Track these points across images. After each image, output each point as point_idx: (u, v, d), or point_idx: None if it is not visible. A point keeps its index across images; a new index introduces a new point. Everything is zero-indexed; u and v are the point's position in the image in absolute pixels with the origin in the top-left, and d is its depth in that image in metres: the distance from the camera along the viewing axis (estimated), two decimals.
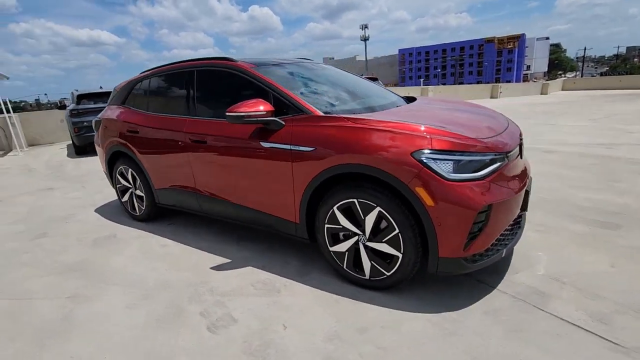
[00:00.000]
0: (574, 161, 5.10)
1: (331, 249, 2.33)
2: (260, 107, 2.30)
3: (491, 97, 23.37)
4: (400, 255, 2.05)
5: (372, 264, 2.18)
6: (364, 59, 75.74)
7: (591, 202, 3.45)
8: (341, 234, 2.28)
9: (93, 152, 4.38)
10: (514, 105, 16.19)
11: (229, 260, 2.79)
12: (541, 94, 26.14)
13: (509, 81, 77.72)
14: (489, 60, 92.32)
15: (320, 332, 1.93)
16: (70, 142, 9.06)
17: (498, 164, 2.00)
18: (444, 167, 1.87)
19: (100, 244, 3.30)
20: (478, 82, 76.32)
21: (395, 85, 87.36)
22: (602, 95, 19.71)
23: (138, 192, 3.63)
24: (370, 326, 1.95)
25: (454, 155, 1.90)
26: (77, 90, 8.86)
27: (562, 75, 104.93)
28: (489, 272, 2.35)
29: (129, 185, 3.71)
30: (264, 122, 2.35)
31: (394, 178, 1.92)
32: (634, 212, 3.16)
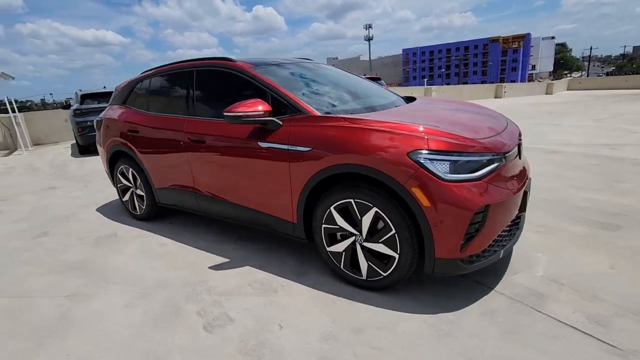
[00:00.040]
0: (577, 161, 5.07)
1: (328, 249, 2.33)
2: (257, 107, 2.31)
3: (495, 97, 23.26)
4: (396, 256, 2.04)
5: (368, 265, 2.18)
6: (368, 59, 75.64)
7: (592, 203, 3.43)
8: (338, 234, 2.27)
9: (96, 152, 4.41)
10: (518, 105, 16.10)
11: (227, 260, 2.80)
12: (546, 93, 25.98)
13: (514, 81, 77.34)
14: (493, 60, 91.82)
15: (316, 332, 1.93)
16: (74, 141, 9.12)
17: (495, 164, 1.98)
18: (441, 168, 1.86)
19: (100, 243, 3.32)
20: (482, 82, 75.96)
21: (399, 85, 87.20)
22: (607, 95, 19.55)
23: (138, 192, 3.65)
24: (366, 326, 1.95)
25: (451, 155, 1.89)
26: (81, 90, 8.91)
27: (568, 75, 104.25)
28: (486, 273, 2.34)
29: (130, 185, 3.73)
30: (261, 122, 2.36)
31: (390, 178, 1.92)
32: (636, 213, 3.14)
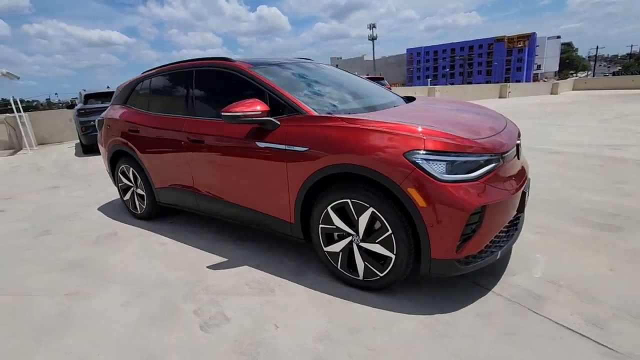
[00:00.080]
0: (579, 162, 5.03)
1: (325, 249, 2.33)
2: (255, 107, 2.31)
3: (500, 97, 23.13)
4: (393, 256, 2.04)
5: (365, 265, 2.18)
6: (372, 59, 75.53)
7: (594, 204, 3.40)
8: (335, 234, 2.27)
9: (99, 151, 4.44)
10: (522, 105, 16.01)
11: (226, 260, 2.81)
12: (551, 93, 25.80)
13: (519, 81, 76.87)
14: (498, 60, 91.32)
15: (312, 332, 1.93)
16: (79, 141, 9.19)
17: (493, 164, 1.97)
18: (437, 168, 1.85)
19: (101, 241, 3.34)
20: (487, 82, 75.56)
21: (403, 85, 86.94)
22: (613, 95, 19.38)
23: (139, 191, 3.67)
24: (362, 327, 1.95)
25: (447, 155, 1.88)
26: (84, 90, 8.99)
27: (574, 74, 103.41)
28: (484, 274, 2.33)
29: (131, 184, 3.75)
30: (259, 122, 2.36)
31: (386, 178, 1.91)
32: (637, 214, 3.11)
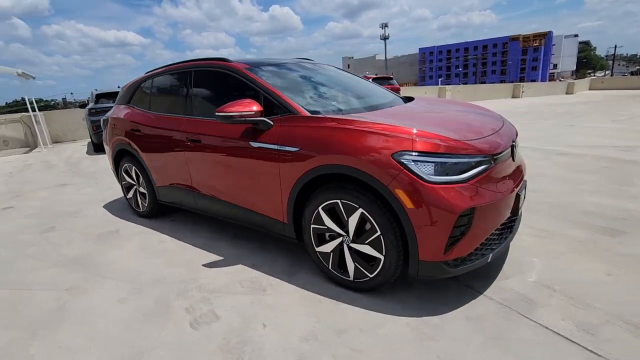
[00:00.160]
0: (587, 164, 4.91)
1: (317, 249, 2.34)
2: (249, 107, 2.33)
3: (513, 97, 22.73)
4: (382, 258, 2.03)
5: (355, 266, 2.17)
6: (384, 58, 75.10)
7: (598, 207, 3.32)
8: (327, 234, 2.28)
9: None
10: (535, 105, 15.71)
11: (221, 258, 2.84)
12: (567, 93, 25.23)
13: (534, 80, 75.44)
14: (513, 59, 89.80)
15: (299, 331, 1.94)
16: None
17: (483, 166, 1.95)
18: (425, 169, 1.84)
19: (103, 238, 3.41)
20: (502, 82, 74.47)
21: (415, 84, 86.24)
22: (630, 96, 18.86)
23: (141, 189, 3.74)
24: (349, 328, 1.95)
25: (436, 157, 1.86)
26: (96, 90, 9.18)
27: (592, 74, 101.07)
28: (477, 277, 2.30)
29: (133, 183, 3.82)
30: (253, 122, 2.38)
31: (375, 179, 1.91)
32: None
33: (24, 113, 10.79)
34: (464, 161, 1.90)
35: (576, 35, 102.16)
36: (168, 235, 3.38)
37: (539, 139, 6.98)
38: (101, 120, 4.30)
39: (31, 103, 10.16)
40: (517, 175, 2.29)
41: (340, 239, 2.20)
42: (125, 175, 3.90)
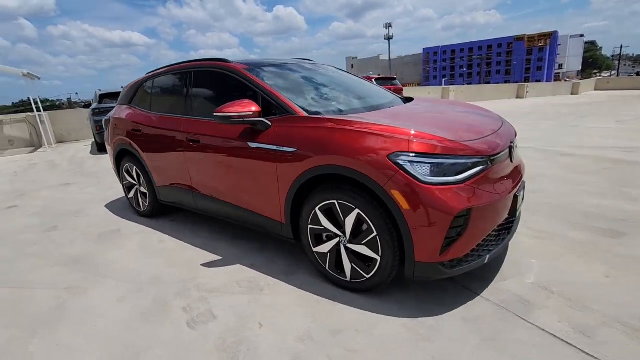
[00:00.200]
0: (589, 165, 4.88)
1: (314, 249, 2.34)
2: (246, 108, 2.34)
3: (517, 97, 22.61)
4: (378, 258, 2.03)
5: (352, 266, 2.18)
6: (388, 58, 74.96)
7: (598, 209, 3.29)
8: (324, 234, 2.28)
9: None
10: (539, 106, 15.62)
11: (220, 258, 2.85)
12: (572, 94, 25.05)
13: (539, 80, 75.02)
14: (518, 59, 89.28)
15: (295, 332, 1.95)
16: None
17: (480, 167, 1.94)
18: (421, 170, 1.84)
19: (104, 238, 3.44)
20: (506, 82, 74.01)
21: (419, 84, 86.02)
22: (636, 96, 18.69)
23: (142, 189, 3.76)
24: (345, 328, 1.95)
25: (432, 158, 1.86)
26: (100, 90, 9.24)
27: (597, 74, 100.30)
28: (475, 278, 2.29)
29: (134, 182, 3.85)
30: (251, 123, 2.39)
31: (371, 180, 1.91)
32: None
33: (29, 113, 10.88)
34: (460, 162, 1.90)
35: (582, 35, 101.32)
36: (168, 235, 3.40)
37: (542, 140, 6.94)
38: (103, 120, 4.33)
39: (36, 103, 10.24)
40: (516, 176, 2.28)
41: (337, 239, 2.21)
42: (126, 175, 3.93)
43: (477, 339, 1.80)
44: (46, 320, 2.21)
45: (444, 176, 1.85)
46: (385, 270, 2.03)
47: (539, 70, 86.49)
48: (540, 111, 13.16)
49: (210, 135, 2.76)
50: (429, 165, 1.85)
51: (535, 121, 10.15)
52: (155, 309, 2.25)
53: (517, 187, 2.22)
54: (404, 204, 1.84)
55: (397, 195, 1.84)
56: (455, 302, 2.10)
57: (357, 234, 2.10)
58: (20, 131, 10.77)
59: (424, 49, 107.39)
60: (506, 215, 2.16)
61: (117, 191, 4.97)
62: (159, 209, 3.76)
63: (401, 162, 1.85)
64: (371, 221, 1.98)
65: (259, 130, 2.41)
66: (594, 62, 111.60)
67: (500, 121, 2.58)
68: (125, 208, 4.25)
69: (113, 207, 4.37)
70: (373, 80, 13.08)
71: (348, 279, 2.23)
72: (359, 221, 2.06)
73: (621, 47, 71.93)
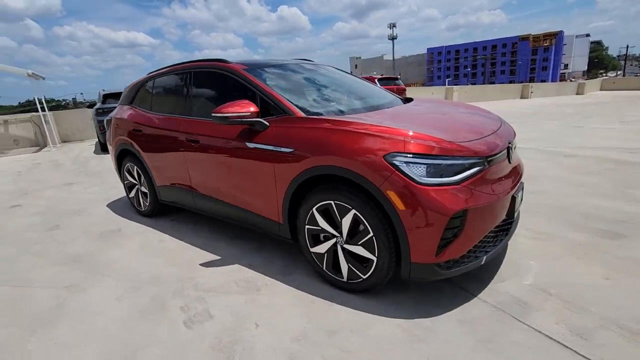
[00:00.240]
0: (591, 166, 4.84)
1: (311, 249, 2.35)
2: (245, 108, 2.34)
3: (521, 98, 22.49)
4: (374, 259, 2.03)
5: (349, 267, 2.18)
6: (392, 58, 74.80)
7: (599, 210, 3.27)
8: (321, 235, 2.28)
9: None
10: (544, 106, 15.52)
11: (219, 257, 2.86)
12: (577, 94, 24.88)
13: (544, 81, 74.55)
14: (523, 59, 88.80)
15: (290, 332, 1.95)
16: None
17: (477, 168, 1.94)
18: (417, 171, 1.83)
19: (105, 237, 3.46)
20: (511, 82, 73.61)
21: (423, 84, 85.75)
22: None
23: (143, 189, 3.78)
24: (340, 328, 1.95)
25: (428, 158, 1.86)
26: (104, 90, 9.30)
27: (603, 74, 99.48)
28: (473, 280, 2.29)
29: (135, 182, 3.87)
30: (249, 123, 2.40)
31: (367, 181, 1.91)
32: None
33: (33, 113, 10.98)
34: (457, 163, 1.90)
35: (588, 35, 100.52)
36: (169, 234, 3.41)
37: (545, 140, 6.90)
38: (104, 120, 4.36)
39: (41, 103, 10.34)
40: (514, 177, 2.27)
41: (334, 240, 2.21)
42: (127, 175, 3.95)
43: (473, 340, 1.79)
44: (45, 318, 2.22)
45: (440, 177, 1.84)
46: (382, 270, 2.03)
47: (544, 70, 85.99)
48: (544, 111, 13.08)
49: (209, 136, 2.77)
50: (425, 166, 1.84)
51: (539, 121, 10.09)
52: (153, 307, 2.26)
53: (515, 188, 2.21)
54: (399, 204, 1.83)
55: (392, 196, 1.84)
56: (451, 303, 2.10)
57: (354, 235, 2.10)
58: (25, 131, 10.88)
59: (428, 49, 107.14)
60: (504, 217, 2.15)
61: (118, 191, 5.00)
62: (159, 208, 3.78)
63: (397, 163, 1.84)
64: (367, 222, 1.98)
65: (257, 130, 2.42)
66: (599, 62, 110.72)
67: (499, 122, 2.57)
68: (127, 207, 4.27)
69: (115, 206, 4.40)
70: (376, 80, 13.04)
71: (345, 279, 2.23)
72: (355, 222, 2.06)
73: (627, 47, 71.36)
